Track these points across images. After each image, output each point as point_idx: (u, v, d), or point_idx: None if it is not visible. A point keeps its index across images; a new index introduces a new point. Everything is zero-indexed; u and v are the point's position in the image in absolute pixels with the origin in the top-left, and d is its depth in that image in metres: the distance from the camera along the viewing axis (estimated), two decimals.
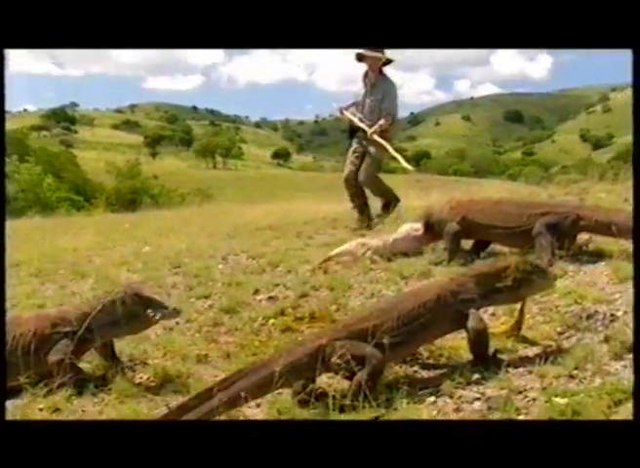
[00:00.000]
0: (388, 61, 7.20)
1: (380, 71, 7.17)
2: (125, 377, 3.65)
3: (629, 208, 4.77)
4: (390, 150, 6.90)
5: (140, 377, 3.74)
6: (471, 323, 3.31)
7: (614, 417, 2.68)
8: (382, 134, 6.90)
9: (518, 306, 3.59)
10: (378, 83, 7.13)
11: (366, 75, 7.25)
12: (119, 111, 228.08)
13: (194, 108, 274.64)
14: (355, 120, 7.01)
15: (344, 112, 7.21)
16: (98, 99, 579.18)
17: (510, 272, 3.38)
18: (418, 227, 5.28)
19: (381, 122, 6.87)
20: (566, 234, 4.56)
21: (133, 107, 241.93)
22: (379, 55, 7.01)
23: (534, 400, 2.94)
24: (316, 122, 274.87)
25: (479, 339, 3.32)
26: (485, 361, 3.31)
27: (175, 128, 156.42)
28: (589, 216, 4.55)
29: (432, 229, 5.20)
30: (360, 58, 7.14)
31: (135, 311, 3.69)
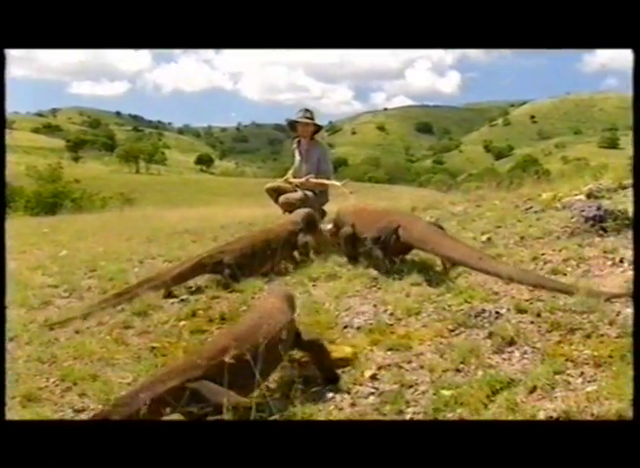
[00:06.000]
0: (318, 128, 7.53)
1: (312, 137, 7.48)
2: None
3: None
4: (326, 182, 7.23)
5: (47, 380, 3.69)
6: (305, 337, 3.42)
7: (491, 406, 2.86)
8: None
9: None
10: (311, 149, 7.46)
11: (299, 143, 7.59)
12: (40, 115, 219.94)
13: (118, 114, 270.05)
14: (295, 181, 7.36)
15: (293, 181, 7.41)
16: (20, 103, 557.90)
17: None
18: (329, 227, 5.72)
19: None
20: (388, 242, 4.72)
21: (55, 111, 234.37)
22: (309, 121, 7.36)
23: (423, 393, 3.11)
24: (238, 129, 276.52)
25: (317, 351, 3.39)
26: (332, 373, 3.37)
27: (97, 132, 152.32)
28: (407, 228, 4.68)
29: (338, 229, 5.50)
30: (292, 126, 7.46)
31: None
